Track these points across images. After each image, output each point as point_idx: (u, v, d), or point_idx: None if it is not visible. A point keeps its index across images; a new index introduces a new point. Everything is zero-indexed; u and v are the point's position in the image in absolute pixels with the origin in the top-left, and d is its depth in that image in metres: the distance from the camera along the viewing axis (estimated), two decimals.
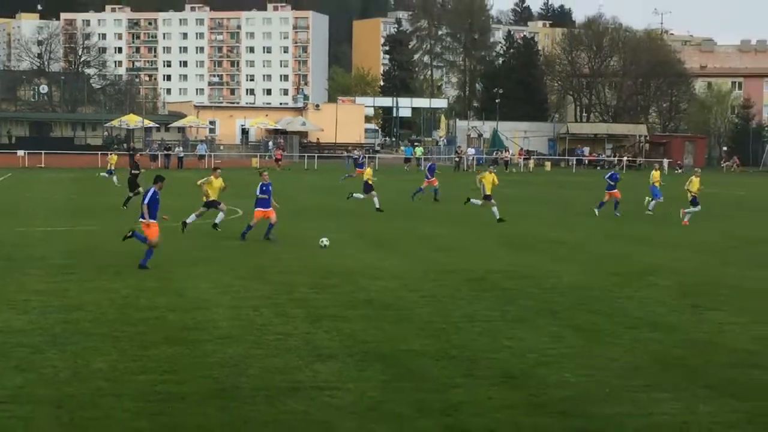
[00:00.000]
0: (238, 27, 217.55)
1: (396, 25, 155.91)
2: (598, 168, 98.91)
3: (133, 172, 38.74)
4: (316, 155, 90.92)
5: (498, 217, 33.22)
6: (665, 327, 15.80)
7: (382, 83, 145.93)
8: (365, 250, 25.65)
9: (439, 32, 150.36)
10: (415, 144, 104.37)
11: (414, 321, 15.93)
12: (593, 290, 19.44)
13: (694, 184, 35.51)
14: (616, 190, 38.20)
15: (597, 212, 37.40)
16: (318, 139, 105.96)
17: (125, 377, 12.13)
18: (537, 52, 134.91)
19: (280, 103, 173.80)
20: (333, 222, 32.90)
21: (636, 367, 13.08)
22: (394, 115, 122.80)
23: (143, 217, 21.27)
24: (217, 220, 28.39)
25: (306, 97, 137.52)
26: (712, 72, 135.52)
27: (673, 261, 24.34)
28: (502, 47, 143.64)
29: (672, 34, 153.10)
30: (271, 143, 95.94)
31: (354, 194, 39.58)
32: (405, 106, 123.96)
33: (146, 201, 21.35)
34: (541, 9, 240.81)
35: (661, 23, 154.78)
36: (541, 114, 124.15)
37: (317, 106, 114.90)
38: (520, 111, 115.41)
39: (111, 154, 59.43)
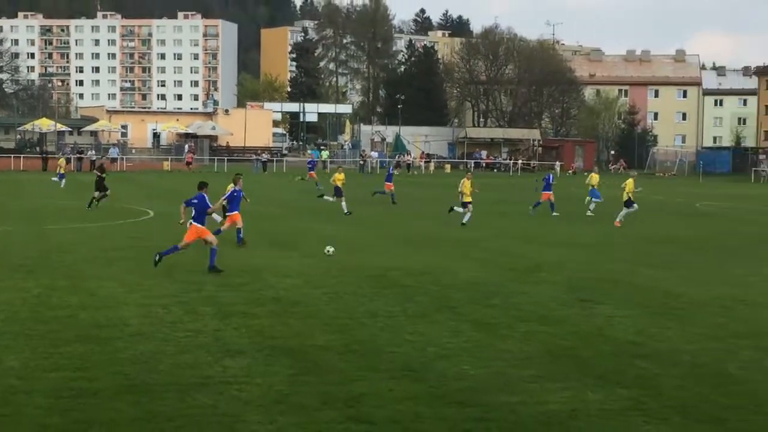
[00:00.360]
0: (150, 34, 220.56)
1: (303, 34, 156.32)
2: (495, 170, 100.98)
3: (99, 175, 39.56)
4: (225, 158, 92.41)
5: (463, 222, 33.23)
6: (556, 320, 16.44)
7: (289, 89, 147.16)
8: (271, 249, 26.06)
9: (344, 41, 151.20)
10: (321, 147, 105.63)
11: (319, 317, 16.32)
12: (489, 286, 20.05)
13: (629, 185, 36.35)
14: (550, 192, 39.39)
15: (532, 212, 38.64)
16: (228, 143, 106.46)
17: (37, 374, 12.24)
18: (437, 61, 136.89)
19: (191, 108, 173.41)
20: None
21: (529, 358, 13.59)
22: (301, 120, 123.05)
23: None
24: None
25: (216, 103, 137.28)
26: (600, 80, 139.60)
27: (565, 258, 25.19)
28: (404, 55, 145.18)
29: (563, 44, 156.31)
30: (187, 147, 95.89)
31: (325, 196, 39.92)
32: (311, 112, 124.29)
33: (207, 205, 21.45)
34: (441, 19, 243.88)
35: (553, 34, 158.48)
36: (441, 119, 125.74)
37: (227, 111, 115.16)
38: (421, 116, 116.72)
39: (61, 157, 59.46)
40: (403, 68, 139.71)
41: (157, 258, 21.03)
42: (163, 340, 14.29)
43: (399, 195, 35.15)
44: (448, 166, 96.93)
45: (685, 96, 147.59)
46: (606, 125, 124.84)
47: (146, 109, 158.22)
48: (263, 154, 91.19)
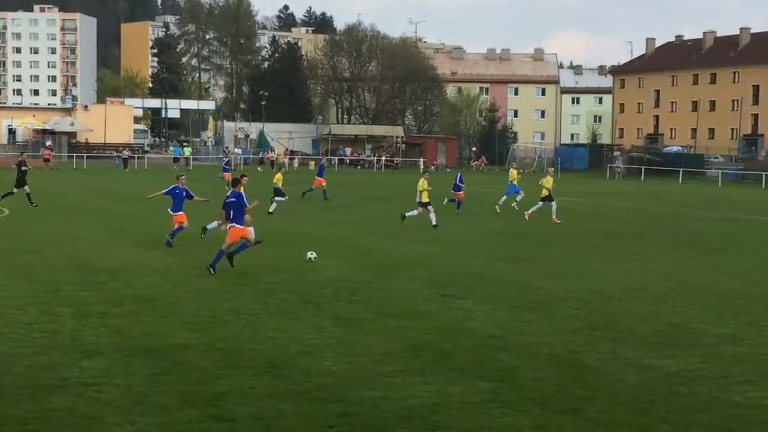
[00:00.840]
0: (4, 27, 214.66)
1: (164, 29, 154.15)
2: (359, 167, 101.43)
3: (22, 169, 39.64)
4: (85, 155, 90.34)
5: (434, 224, 32.80)
6: (418, 315, 16.61)
7: (150, 85, 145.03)
8: (129, 247, 25.60)
9: (207, 36, 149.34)
10: (184, 144, 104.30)
11: (180, 315, 16.13)
12: (353, 282, 20.13)
13: (548, 181, 37.14)
14: (461, 192, 39.80)
15: (459, 211, 39.20)
16: (87, 139, 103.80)
17: None
18: (300, 57, 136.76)
19: (49, 104, 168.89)
20: (91, 219, 32.86)
21: (391, 353, 13.69)
22: (163, 116, 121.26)
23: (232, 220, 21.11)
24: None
25: (75, 98, 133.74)
26: (462, 78, 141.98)
27: (428, 254, 25.47)
28: (267, 52, 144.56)
29: (425, 42, 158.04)
30: (48, 143, 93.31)
31: (276, 198, 39.35)
32: (174, 108, 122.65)
33: (244, 203, 21.10)
34: (305, 16, 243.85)
35: (416, 32, 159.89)
36: (305, 116, 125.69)
37: (86, 106, 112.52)
38: (285, 113, 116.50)
39: None
40: (266, 65, 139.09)
41: (212, 271, 20.60)
42: (18, 342, 13.90)
43: (263, 193, 34.95)
44: (312, 163, 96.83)
45: (543, 94, 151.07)
46: (468, 122, 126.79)
47: (1, 105, 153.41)
48: (124, 151, 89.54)
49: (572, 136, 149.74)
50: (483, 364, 13.20)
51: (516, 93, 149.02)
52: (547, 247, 28.08)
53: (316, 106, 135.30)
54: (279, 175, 40.53)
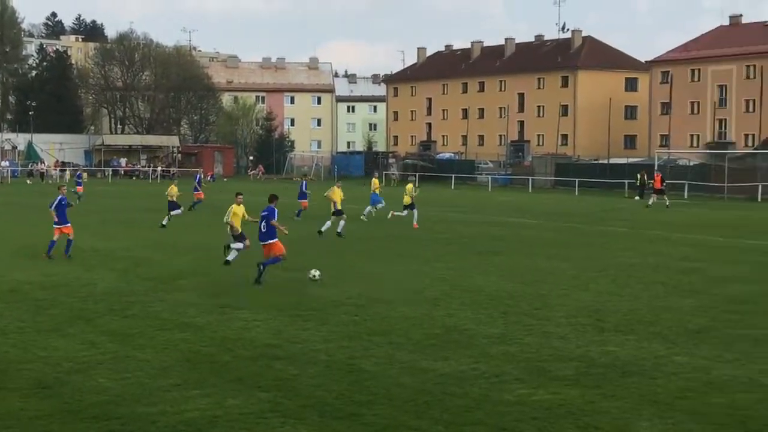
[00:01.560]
0: None
1: None
2: (134, 178, 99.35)
3: None
4: None
5: (339, 231, 33.46)
6: (194, 327, 16.43)
7: None
8: None
9: None
10: None
11: None
12: (128, 296, 19.72)
13: (409, 188, 38.69)
14: (306, 200, 39.53)
15: (297, 218, 39.49)
16: None
17: None
18: (70, 66, 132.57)
19: None
20: None
21: (168, 367, 13.49)
22: None
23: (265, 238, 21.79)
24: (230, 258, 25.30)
25: None
26: (238, 87, 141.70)
27: (204, 265, 25.18)
28: (35, 60, 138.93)
29: (200, 50, 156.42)
30: None
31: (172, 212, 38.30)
32: None
33: (274, 217, 21.86)
34: (74, 23, 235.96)
35: (190, 40, 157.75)
36: (77, 126, 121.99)
37: None
38: (55, 123, 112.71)
39: None
40: (34, 73, 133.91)
41: (258, 286, 21.24)
42: None
43: (29, 207, 33.78)
44: (85, 175, 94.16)
45: (319, 102, 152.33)
46: (244, 131, 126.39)
47: None
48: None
49: (348, 143, 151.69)
50: (262, 374, 13.17)
51: (292, 102, 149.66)
52: (326, 254, 28.25)
53: (88, 115, 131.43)
54: (174, 188, 39.51)
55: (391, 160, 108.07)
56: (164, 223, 37.14)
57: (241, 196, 25.82)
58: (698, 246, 32.43)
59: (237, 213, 24.97)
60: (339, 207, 34.81)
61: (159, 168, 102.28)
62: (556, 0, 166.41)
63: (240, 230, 25.00)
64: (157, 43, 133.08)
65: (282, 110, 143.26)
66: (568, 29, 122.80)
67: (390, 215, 39.22)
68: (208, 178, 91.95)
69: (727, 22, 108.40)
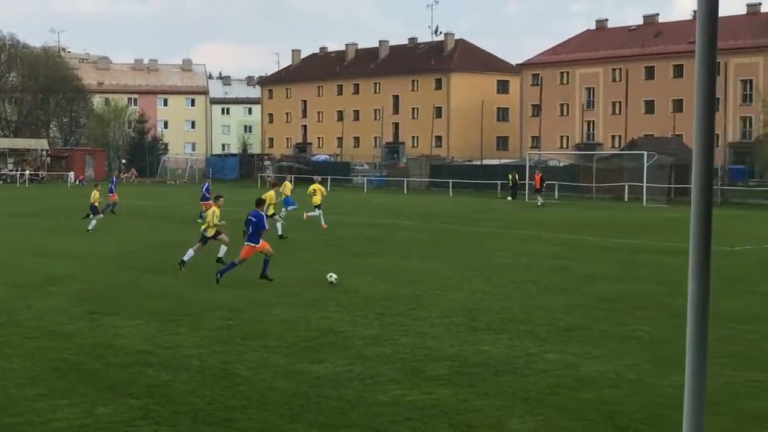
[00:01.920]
0: None
1: None
2: (2, 182, 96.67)
3: None
4: None
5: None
6: (63, 335, 16.04)
7: None
8: None
9: None
10: None
11: None
12: None
13: (320, 190, 39.61)
14: (210, 201, 38.81)
15: (200, 220, 38.32)
16: None
17: None
18: None
19: None
20: None
21: (35, 377, 13.14)
22: None
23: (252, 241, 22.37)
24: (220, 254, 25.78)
25: None
26: (109, 89, 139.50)
27: (77, 270, 24.71)
28: None
29: (69, 51, 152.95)
30: None
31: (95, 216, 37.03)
32: None
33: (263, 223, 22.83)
34: None
35: (58, 41, 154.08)
36: None
37: None
38: None
39: None
40: None
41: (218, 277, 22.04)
42: None
43: None
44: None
45: (193, 105, 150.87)
46: (116, 134, 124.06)
47: None
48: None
49: (223, 146, 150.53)
50: (133, 381, 12.94)
51: (165, 104, 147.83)
52: (201, 257, 27.87)
53: None
54: (96, 193, 38.33)
55: (266, 163, 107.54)
56: (90, 228, 36.34)
57: (222, 199, 27.50)
58: (569, 245, 33.16)
59: (218, 215, 26.28)
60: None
61: (27, 172, 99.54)
62: (429, 3, 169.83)
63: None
64: (24, 44, 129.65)
65: (155, 112, 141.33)
66: (441, 32, 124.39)
67: (305, 216, 39.17)
68: (77, 182, 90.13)
69: (593, 27, 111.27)
